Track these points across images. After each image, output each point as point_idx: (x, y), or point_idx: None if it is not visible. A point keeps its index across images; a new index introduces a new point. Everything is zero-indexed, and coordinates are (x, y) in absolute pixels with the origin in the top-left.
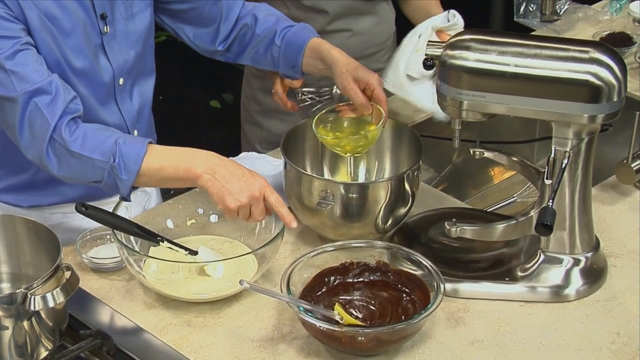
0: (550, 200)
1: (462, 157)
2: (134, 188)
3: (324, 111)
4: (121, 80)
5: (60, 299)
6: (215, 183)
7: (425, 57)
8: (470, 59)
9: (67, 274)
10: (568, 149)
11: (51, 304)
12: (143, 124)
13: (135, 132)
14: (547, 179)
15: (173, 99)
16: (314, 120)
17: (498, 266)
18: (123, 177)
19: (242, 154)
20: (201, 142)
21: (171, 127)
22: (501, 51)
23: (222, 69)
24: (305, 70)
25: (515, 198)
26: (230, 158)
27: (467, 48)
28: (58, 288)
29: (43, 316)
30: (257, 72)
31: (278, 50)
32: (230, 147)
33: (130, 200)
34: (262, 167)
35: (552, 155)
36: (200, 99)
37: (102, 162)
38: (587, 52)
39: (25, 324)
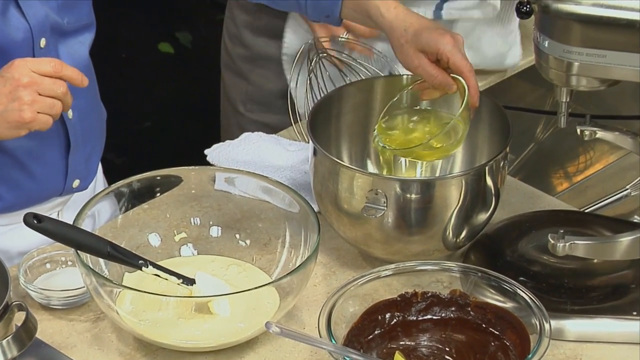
0: None
1: (549, 131)
2: None
3: (383, 118)
4: (43, 42)
5: (13, 352)
6: None
7: None
8: (585, 2)
9: (21, 316)
10: None
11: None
12: (82, 97)
13: (70, 113)
14: None
15: (106, 43)
16: (376, 127)
17: (620, 295)
18: None
19: (243, 135)
20: (151, 105)
21: (106, 85)
22: None
23: None
24: (346, 19)
25: (628, 190)
26: (227, 142)
27: None
28: (9, 337)
29: None
30: (246, 2)
31: None
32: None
33: None
34: (274, 154)
35: None
36: (145, 42)
37: None
38: None
39: None
